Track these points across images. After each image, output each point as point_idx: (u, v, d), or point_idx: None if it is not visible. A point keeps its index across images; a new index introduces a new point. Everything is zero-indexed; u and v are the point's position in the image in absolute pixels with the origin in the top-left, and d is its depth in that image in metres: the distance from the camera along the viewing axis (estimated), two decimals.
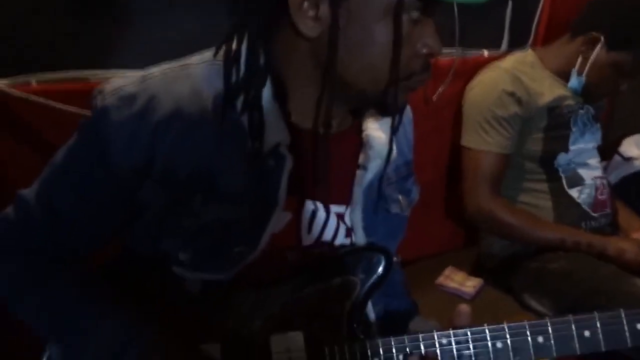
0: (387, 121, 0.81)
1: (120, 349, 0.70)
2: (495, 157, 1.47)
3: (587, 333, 0.74)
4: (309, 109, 0.73)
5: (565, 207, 1.51)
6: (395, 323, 0.88)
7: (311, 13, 0.65)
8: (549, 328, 0.74)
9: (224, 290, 0.75)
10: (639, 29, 1.38)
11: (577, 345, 0.74)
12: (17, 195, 0.76)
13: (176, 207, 0.70)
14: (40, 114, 1.04)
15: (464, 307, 0.74)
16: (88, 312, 0.72)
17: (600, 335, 0.73)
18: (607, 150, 1.96)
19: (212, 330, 0.74)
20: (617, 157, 1.95)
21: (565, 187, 1.52)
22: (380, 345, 0.74)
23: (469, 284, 1.55)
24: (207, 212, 0.70)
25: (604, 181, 1.58)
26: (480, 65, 1.59)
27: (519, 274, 1.50)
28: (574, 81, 1.47)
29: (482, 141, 1.47)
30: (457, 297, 1.51)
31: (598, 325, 0.74)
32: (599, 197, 1.54)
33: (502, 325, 0.74)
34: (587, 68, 1.43)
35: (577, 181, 1.52)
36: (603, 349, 0.74)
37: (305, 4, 0.65)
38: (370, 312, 0.87)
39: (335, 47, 0.66)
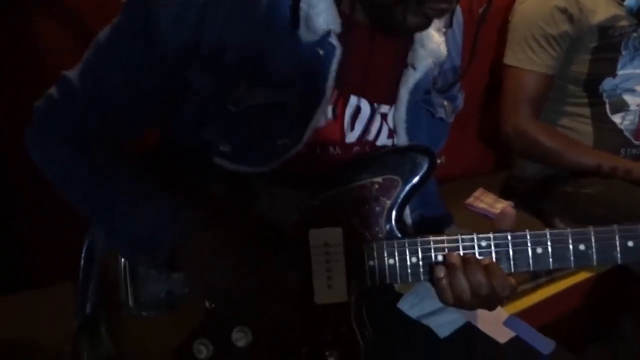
0: (441, 20, 0.78)
1: (158, 228, 0.70)
2: (539, 78, 1.42)
3: (630, 243, 0.72)
4: None
5: (606, 133, 1.49)
6: (432, 229, 0.88)
7: None
8: (592, 236, 0.72)
9: (263, 183, 0.75)
10: None
11: (619, 255, 0.73)
12: (61, 76, 0.75)
13: (222, 90, 0.69)
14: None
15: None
16: (130, 190, 0.73)
17: None
18: None
19: (252, 220, 0.75)
20: None
21: (608, 112, 1.48)
22: (418, 244, 0.74)
23: (498, 206, 1.54)
24: (253, 97, 0.69)
25: None
26: None
27: (551, 198, 1.50)
28: None
29: (528, 60, 1.42)
30: (485, 217, 1.51)
31: None
32: None
33: (545, 232, 0.73)
34: None
35: (621, 107, 1.48)
36: None
37: None
38: (407, 217, 0.87)
39: None
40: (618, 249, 0.72)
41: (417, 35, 0.77)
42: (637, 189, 1.35)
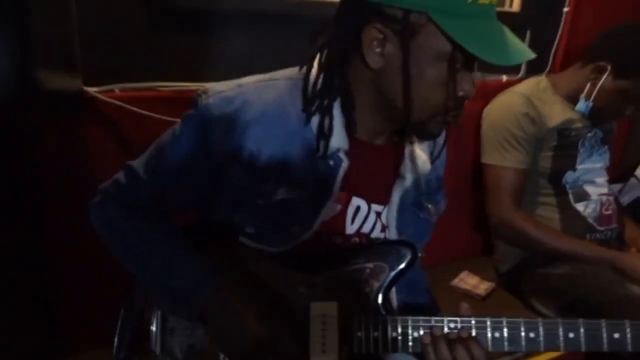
0: (427, 143, 0.98)
1: (193, 290, 0.87)
2: (514, 172, 1.60)
3: (571, 334, 0.87)
4: (368, 123, 0.89)
5: (571, 220, 1.64)
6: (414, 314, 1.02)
7: (378, 50, 0.82)
8: (540, 327, 0.87)
9: (278, 260, 0.93)
10: None
11: (561, 344, 0.87)
12: (126, 165, 0.94)
13: (254, 186, 0.88)
14: (122, 116, 1.24)
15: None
16: (172, 256, 0.90)
17: (582, 338, 0.87)
18: (625, 174, 2.11)
19: (267, 290, 0.92)
20: (632, 180, 2.10)
21: (572, 201, 1.65)
22: (398, 322, 0.89)
23: (481, 287, 1.70)
24: (276, 193, 0.87)
25: (610, 198, 1.70)
26: (498, 88, 1.74)
27: (527, 279, 1.65)
28: (582, 105, 1.59)
29: (502, 158, 1.61)
30: (469, 297, 1.66)
31: (581, 329, 0.87)
32: (604, 212, 1.67)
33: (502, 319, 0.88)
34: (594, 93, 1.56)
35: (583, 196, 1.65)
36: (583, 349, 0.88)
37: (375, 42, 0.82)
38: (394, 299, 1.02)
39: (408, 78, 0.80)
40: (561, 338, 0.88)
41: (407, 153, 0.96)
42: (597, 269, 1.50)
